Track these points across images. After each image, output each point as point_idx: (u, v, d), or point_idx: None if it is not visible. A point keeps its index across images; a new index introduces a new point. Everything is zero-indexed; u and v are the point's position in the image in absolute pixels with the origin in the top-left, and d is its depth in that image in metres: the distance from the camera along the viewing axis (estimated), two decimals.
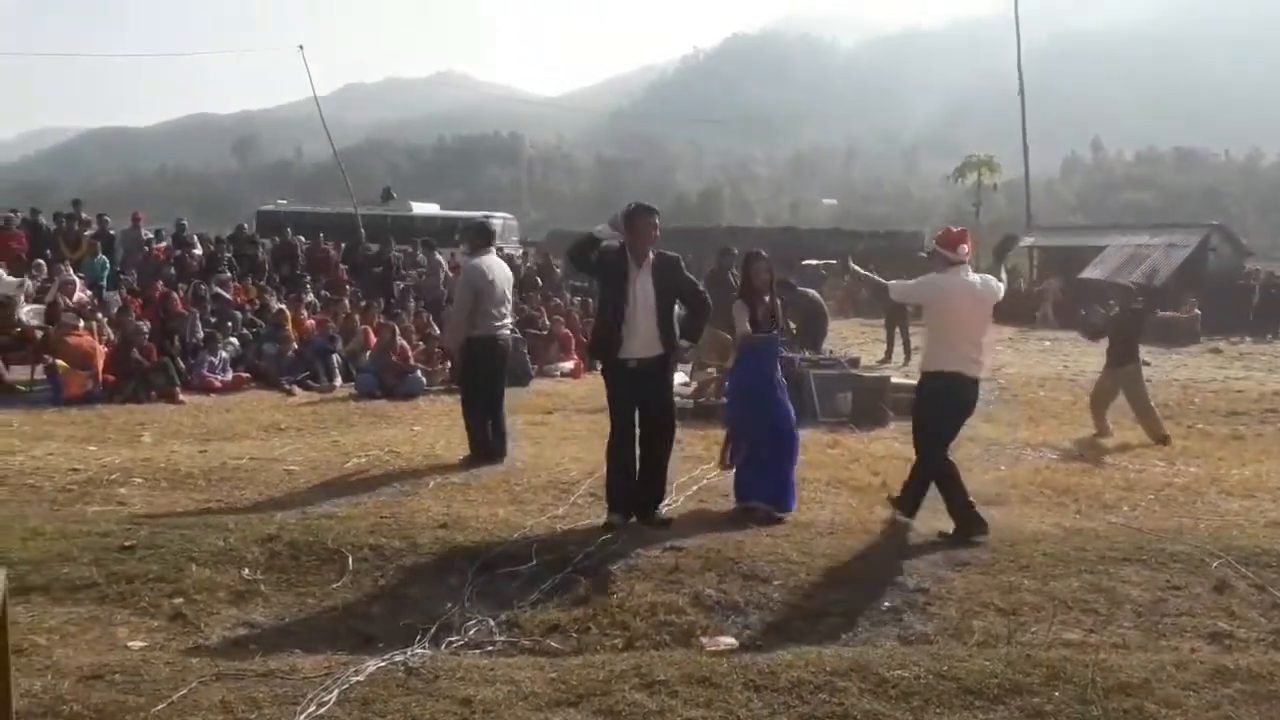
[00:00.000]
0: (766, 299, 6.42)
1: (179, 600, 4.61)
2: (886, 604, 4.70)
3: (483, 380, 7.90)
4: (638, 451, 6.06)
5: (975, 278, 5.90)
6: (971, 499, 5.74)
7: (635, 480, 6.04)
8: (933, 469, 5.83)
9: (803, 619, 4.59)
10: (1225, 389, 14.25)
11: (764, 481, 6.29)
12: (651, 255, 5.90)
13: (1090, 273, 28.78)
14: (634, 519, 5.94)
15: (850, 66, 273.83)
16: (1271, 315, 24.34)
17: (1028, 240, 34.84)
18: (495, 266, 8.03)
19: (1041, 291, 29.39)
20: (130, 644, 4.15)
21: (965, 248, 5.89)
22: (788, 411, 6.42)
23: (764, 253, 6.62)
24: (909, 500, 5.97)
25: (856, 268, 7.59)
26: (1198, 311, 22.50)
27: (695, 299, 6.14)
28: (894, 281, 6.10)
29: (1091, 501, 6.96)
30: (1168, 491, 7.31)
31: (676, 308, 6.07)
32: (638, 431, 6.07)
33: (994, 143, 49.34)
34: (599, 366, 6.38)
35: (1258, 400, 12.86)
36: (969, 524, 5.64)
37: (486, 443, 7.85)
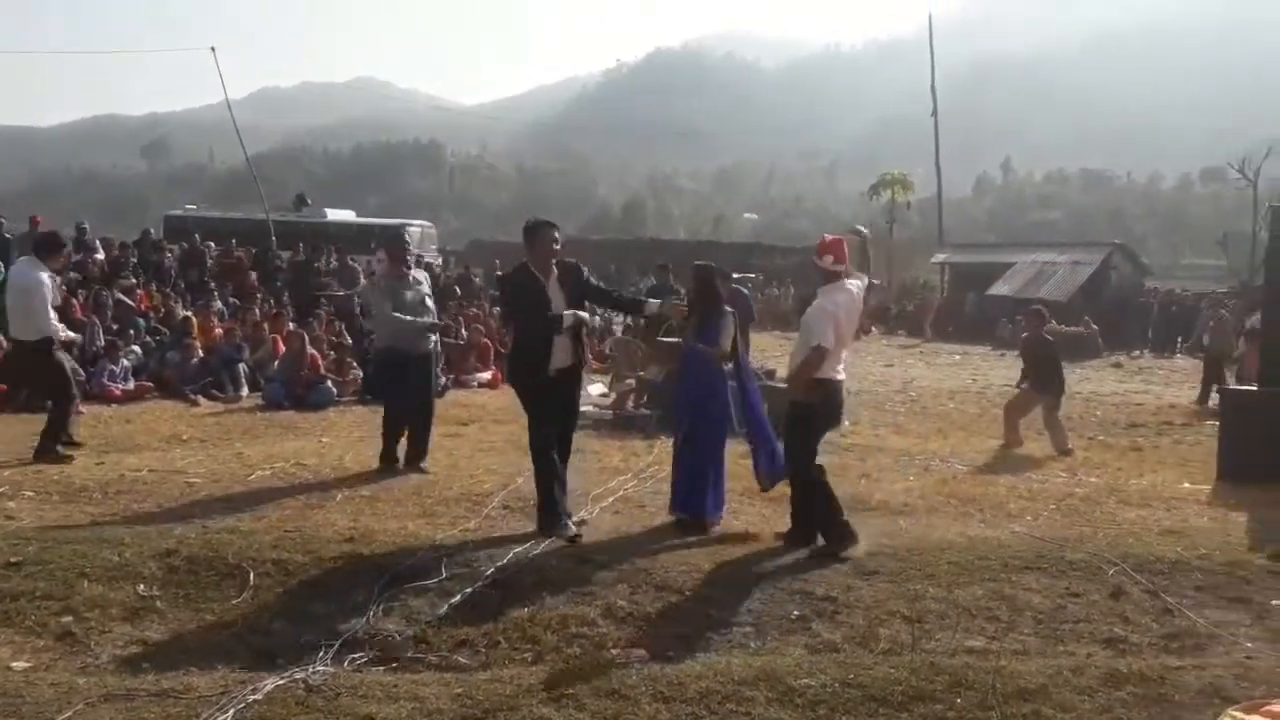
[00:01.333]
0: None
1: (68, 619, 4.41)
2: (796, 613, 4.74)
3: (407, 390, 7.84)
4: None
5: (853, 284, 5.92)
6: (842, 510, 5.76)
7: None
8: (807, 477, 5.82)
9: (713, 629, 4.59)
10: (1125, 402, 14.78)
11: (693, 492, 6.28)
12: (555, 267, 5.98)
13: (999, 289, 29.68)
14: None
15: (773, 84, 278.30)
16: (1169, 331, 25.38)
17: (940, 256, 35.82)
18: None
19: (923, 305, 30.22)
20: (13, 664, 3.96)
21: (842, 254, 5.90)
22: (717, 422, 6.40)
23: (711, 264, 6.67)
24: (804, 525, 5.85)
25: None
26: (1095, 327, 23.38)
27: (607, 296, 6.48)
28: (817, 340, 5.69)
29: (996, 511, 7.12)
30: (1069, 501, 7.52)
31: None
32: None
33: (912, 161, 50.65)
34: (518, 381, 6.28)
35: (1155, 413, 13.36)
36: (840, 536, 5.61)
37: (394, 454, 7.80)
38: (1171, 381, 18.32)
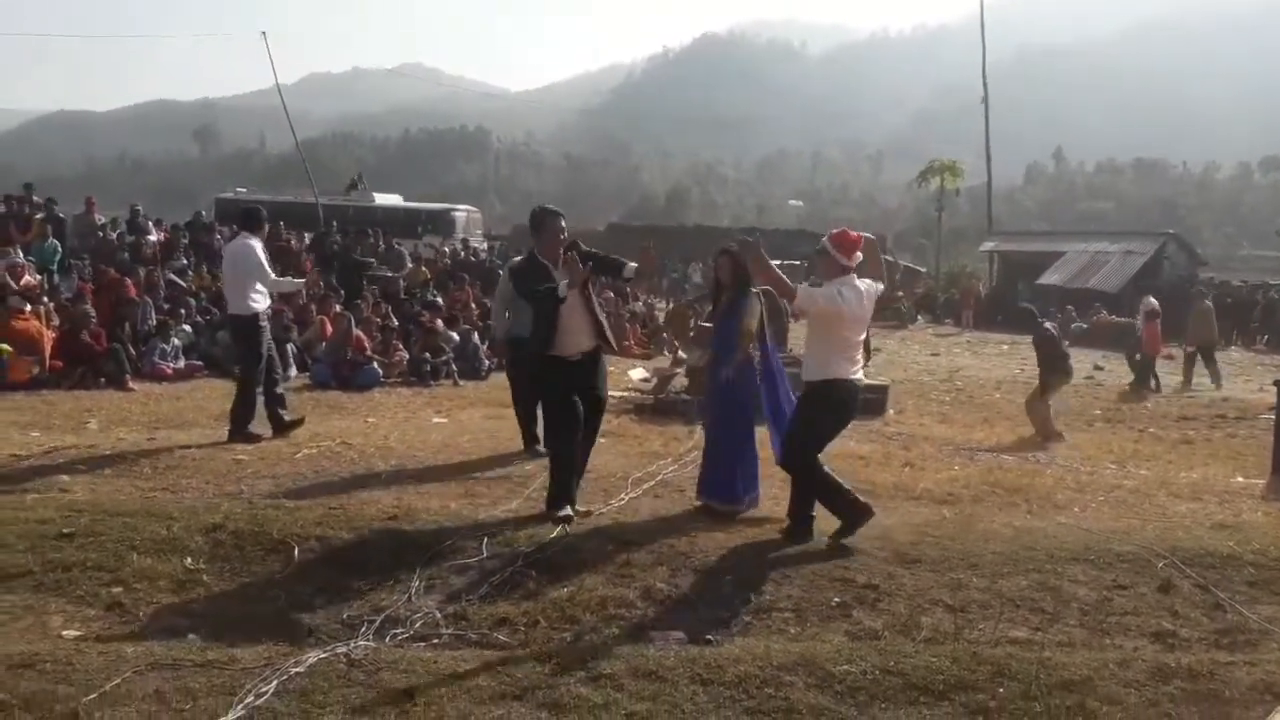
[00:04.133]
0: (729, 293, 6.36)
1: (117, 589, 4.50)
2: (836, 599, 4.69)
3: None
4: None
5: (863, 285, 5.58)
6: (844, 487, 5.61)
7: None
8: (813, 475, 5.63)
9: (752, 613, 4.57)
10: (1178, 395, 14.49)
11: (720, 478, 6.25)
12: (563, 254, 5.97)
13: (1049, 278, 29.20)
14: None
15: (818, 72, 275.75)
16: (1224, 323, 24.72)
17: (989, 244, 35.30)
18: None
19: (964, 294, 29.75)
20: (64, 633, 4.05)
21: (859, 255, 5.57)
22: (743, 406, 6.34)
23: (732, 246, 6.51)
24: (805, 520, 5.68)
25: (763, 256, 6.05)
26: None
27: (607, 263, 6.19)
28: (802, 287, 5.66)
29: (1042, 502, 7.02)
30: (1118, 493, 7.39)
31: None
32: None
33: (957, 150, 49.84)
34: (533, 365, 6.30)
35: (1208, 406, 13.10)
36: (854, 512, 5.47)
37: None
38: (1226, 375, 17.90)
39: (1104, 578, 5.12)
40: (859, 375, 5.68)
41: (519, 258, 6.32)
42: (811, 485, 5.65)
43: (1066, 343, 11.70)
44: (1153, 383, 14.72)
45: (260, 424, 8.13)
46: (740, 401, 6.29)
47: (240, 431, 7.93)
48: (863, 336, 5.79)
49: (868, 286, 5.63)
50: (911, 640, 4.26)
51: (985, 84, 35.99)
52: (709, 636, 4.30)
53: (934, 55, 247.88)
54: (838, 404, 5.61)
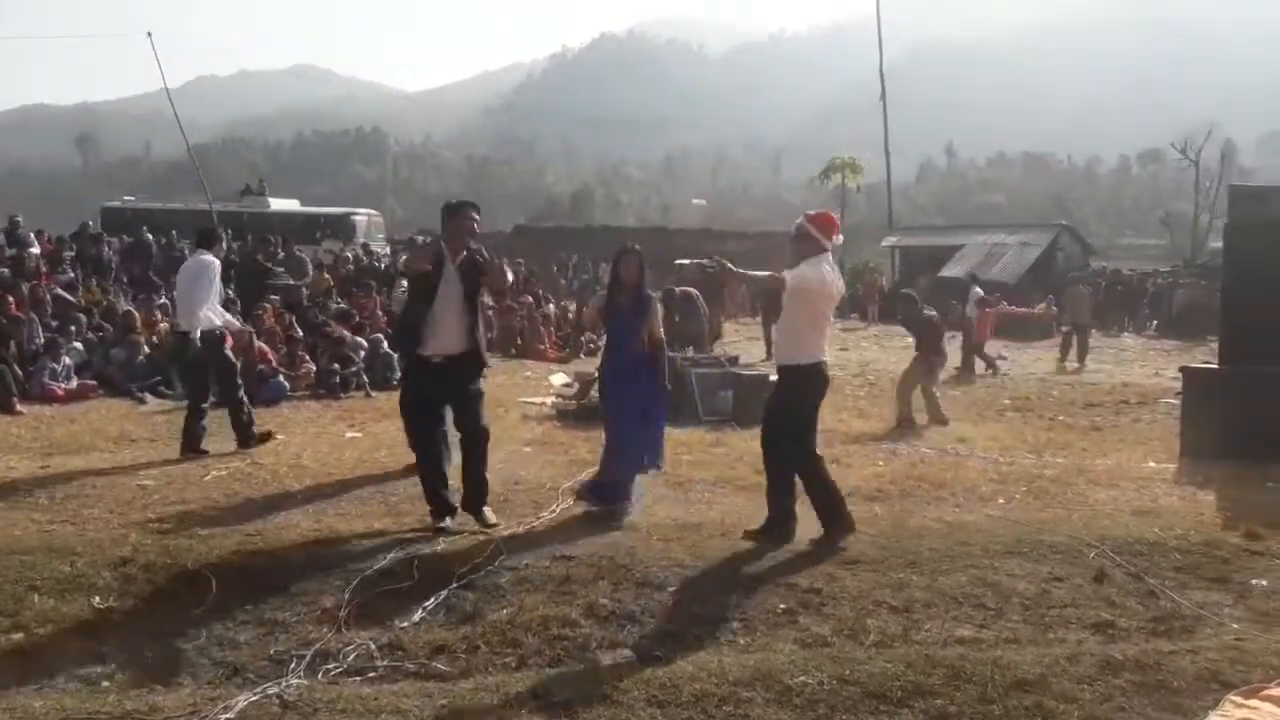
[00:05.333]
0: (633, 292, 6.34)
1: (18, 636, 4.14)
2: (782, 606, 4.62)
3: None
4: (459, 451, 5.96)
5: (831, 265, 5.77)
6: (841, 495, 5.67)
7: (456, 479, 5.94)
8: (805, 464, 5.64)
9: (700, 625, 4.45)
10: (1079, 381, 14.98)
11: (614, 480, 6.23)
12: (465, 250, 5.80)
13: (950, 270, 29.95)
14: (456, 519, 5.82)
15: (718, 71, 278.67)
16: (1115, 310, 25.77)
17: (890, 240, 36.08)
18: None
19: (868, 289, 30.39)
20: None
21: (840, 237, 5.79)
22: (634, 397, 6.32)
23: (636, 247, 6.55)
24: (782, 519, 5.64)
25: (734, 269, 6.40)
26: (1054, 308, 23.61)
27: (494, 278, 6.02)
28: (788, 272, 5.67)
29: (968, 494, 7.10)
30: (1039, 483, 7.52)
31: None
32: (457, 433, 5.93)
33: (856, 148, 50.74)
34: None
35: (1110, 392, 13.52)
36: (841, 523, 5.53)
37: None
38: (1122, 360, 18.62)
39: (1040, 570, 5.18)
40: (827, 357, 5.78)
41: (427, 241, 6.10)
42: (805, 476, 5.62)
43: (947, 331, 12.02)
44: (980, 366, 15.46)
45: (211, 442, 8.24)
46: (632, 399, 6.30)
47: (251, 439, 8.28)
48: (832, 315, 5.89)
49: (835, 270, 5.77)
50: (861, 645, 4.21)
51: (883, 81, 36.73)
52: (657, 653, 4.17)
53: (831, 54, 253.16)
54: (820, 385, 5.67)
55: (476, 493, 5.92)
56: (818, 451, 5.76)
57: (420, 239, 6.65)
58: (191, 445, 8.03)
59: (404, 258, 5.89)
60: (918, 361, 10.73)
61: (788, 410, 5.73)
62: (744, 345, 17.47)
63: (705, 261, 5.83)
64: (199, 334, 8.04)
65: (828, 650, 4.12)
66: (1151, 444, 9.38)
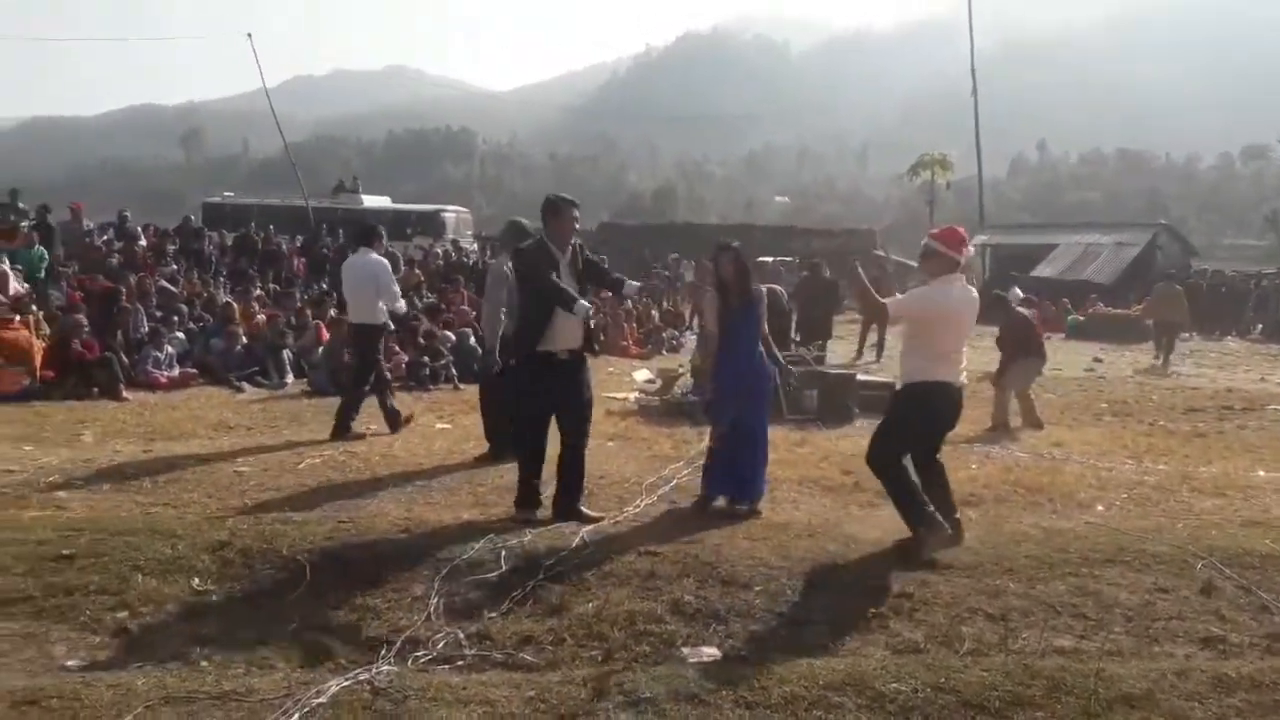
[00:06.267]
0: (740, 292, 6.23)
1: (123, 614, 4.28)
2: (872, 610, 4.51)
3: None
4: (561, 445, 5.97)
5: (966, 287, 5.50)
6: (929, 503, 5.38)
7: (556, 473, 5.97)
8: (891, 475, 5.43)
9: (787, 627, 4.38)
10: (1179, 386, 14.39)
11: (727, 477, 6.14)
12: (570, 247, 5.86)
13: (1042, 270, 29.14)
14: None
15: (802, 67, 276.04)
16: (1218, 313, 24.73)
17: (981, 238, 35.20)
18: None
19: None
20: (68, 663, 3.83)
21: (970, 250, 5.53)
22: (757, 405, 6.24)
23: (734, 244, 6.44)
24: (926, 523, 5.36)
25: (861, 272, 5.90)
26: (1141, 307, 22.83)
27: (599, 273, 6.20)
28: (891, 301, 5.58)
29: (1066, 500, 6.87)
30: (1140, 490, 7.25)
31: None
32: (561, 425, 5.95)
33: (942, 143, 49.82)
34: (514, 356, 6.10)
35: (1213, 397, 12.96)
36: (931, 531, 5.22)
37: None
38: (1224, 365, 17.86)
39: (1143, 580, 4.97)
40: (961, 379, 5.49)
41: (528, 242, 6.08)
42: (891, 485, 5.42)
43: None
44: None
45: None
46: (758, 401, 6.22)
47: (344, 430, 8.49)
48: (965, 339, 5.56)
49: (969, 290, 5.50)
50: (956, 653, 4.08)
51: (974, 76, 35.88)
52: (744, 653, 4.12)
53: (917, 49, 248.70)
54: (934, 408, 5.41)
55: (578, 490, 5.97)
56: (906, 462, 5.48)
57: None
58: (343, 426, 8.51)
59: (640, 285, 5.94)
60: (1014, 363, 10.39)
61: (891, 421, 5.55)
62: (831, 343, 17.11)
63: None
64: (368, 325, 8.68)
65: (921, 657, 4.01)
66: (1260, 452, 8.97)
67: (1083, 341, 20.97)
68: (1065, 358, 17.27)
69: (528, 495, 5.88)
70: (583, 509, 5.90)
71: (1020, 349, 10.42)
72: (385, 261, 8.86)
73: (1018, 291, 16.70)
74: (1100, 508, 6.69)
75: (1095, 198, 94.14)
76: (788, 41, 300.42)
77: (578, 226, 5.91)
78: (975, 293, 5.65)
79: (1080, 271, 28.43)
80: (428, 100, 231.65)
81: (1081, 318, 23.21)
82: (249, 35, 27.61)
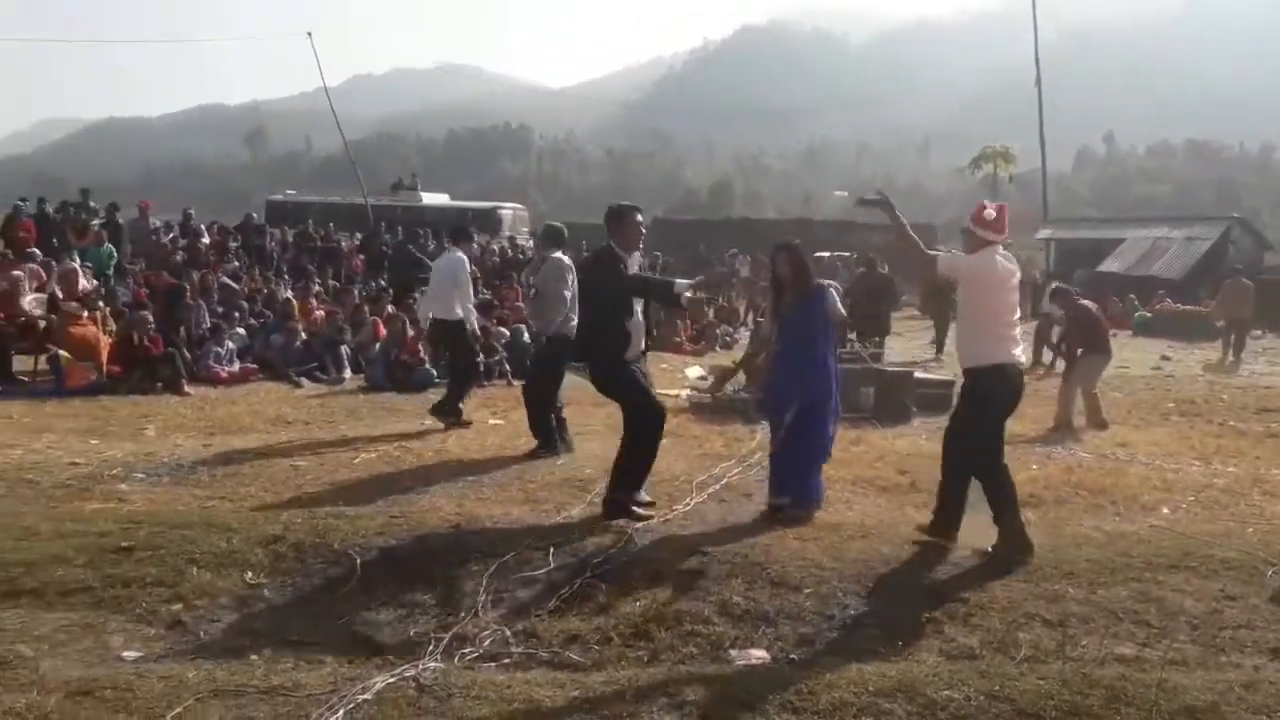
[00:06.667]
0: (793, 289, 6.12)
1: (178, 606, 4.35)
2: (926, 614, 4.41)
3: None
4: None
5: (1003, 254, 5.31)
6: (1020, 515, 5.29)
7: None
8: (995, 477, 5.26)
9: (838, 630, 4.31)
10: (1252, 385, 13.94)
11: (792, 478, 6.00)
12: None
13: (1109, 265, 28.44)
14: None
15: (861, 60, 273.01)
16: None
17: (1045, 232, 34.50)
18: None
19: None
20: (124, 654, 3.90)
21: (994, 230, 5.26)
22: (820, 400, 6.05)
23: (794, 242, 6.33)
24: (949, 519, 5.33)
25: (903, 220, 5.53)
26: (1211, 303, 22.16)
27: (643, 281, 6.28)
28: (943, 256, 5.34)
29: (1129, 503, 6.68)
30: (1208, 493, 7.02)
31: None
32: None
33: (1004, 135, 48.82)
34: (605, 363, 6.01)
35: None
36: (1020, 545, 5.13)
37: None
38: None
39: (1210, 587, 4.80)
40: (1021, 357, 5.34)
41: (597, 250, 6.08)
42: (988, 488, 5.25)
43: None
44: (1047, 357, 14.22)
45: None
46: (817, 400, 6.03)
47: (448, 414, 8.92)
48: (1017, 315, 5.42)
49: (1010, 261, 5.30)
50: (1012, 659, 3.97)
51: (1038, 66, 35.10)
52: (793, 656, 4.06)
53: (978, 40, 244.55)
54: (1011, 391, 5.23)
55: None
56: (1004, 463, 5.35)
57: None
58: (454, 414, 8.96)
59: (693, 283, 6.01)
60: (1080, 360, 10.12)
61: (967, 418, 5.35)
62: (891, 340, 16.85)
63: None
64: (446, 321, 9.08)
65: (975, 663, 3.91)
66: None
67: (1150, 339, 20.43)
68: (1132, 355, 16.82)
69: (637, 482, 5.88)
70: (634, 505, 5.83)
71: (1086, 344, 10.16)
72: (465, 260, 9.17)
73: (1054, 283, 16.19)
74: (1166, 511, 6.49)
75: (1164, 191, 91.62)
76: (846, 34, 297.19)
77: (644, 231, 5.97)
78: (1015, 265, 5.41)
79: (1148, 266, 27.67)
80: (486, 97, 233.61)
81: (1149, 314, 22.59)
82: (309, 35, 27.98)
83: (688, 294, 5.87)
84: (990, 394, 5.23)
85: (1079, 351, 10.15)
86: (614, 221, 5.90)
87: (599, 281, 5.87)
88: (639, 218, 5.93)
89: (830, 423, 6.12)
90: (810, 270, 6.25)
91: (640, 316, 5.88)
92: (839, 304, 6.14)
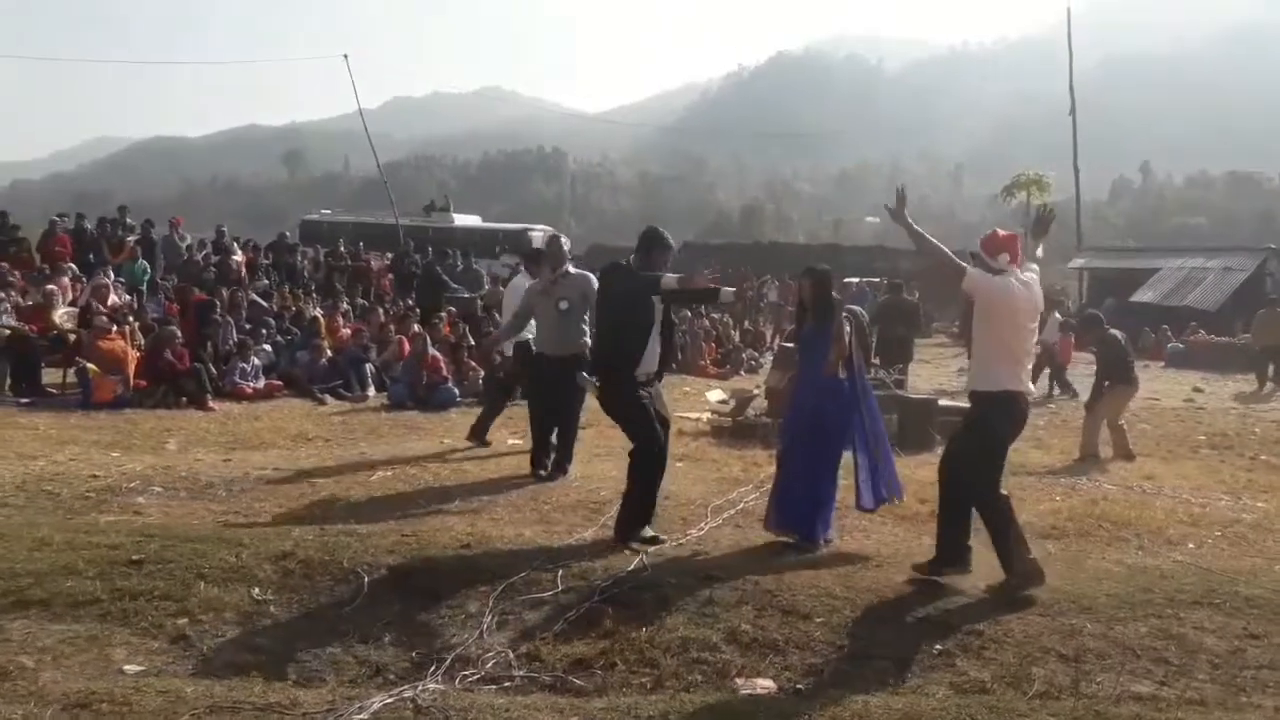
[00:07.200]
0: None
1: (183, 620, 4.34)
2: (938, 647, 4.33)
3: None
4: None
5: (1027, 278, 5.22)
6: (1028, 544, 5.18)
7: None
8: (991, 506, 5.17)
9: (847, 661, 4.23)
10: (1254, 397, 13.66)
11: (799, 511, 5.89)
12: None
13: (1142, 295, 28.09)
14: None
15: (895, 86, 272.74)
16: None
17: (1078, 261, 34.16)
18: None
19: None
20: (126, 667, 3.90)
21: (1005, 257, 5.17)
22: (829, 434, 5.94)
23: (822, 267, 6.26)
24: (953, 551, 5.20)
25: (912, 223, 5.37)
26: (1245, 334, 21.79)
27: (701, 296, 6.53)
28: (973, 269, 5.16)
29: (1154, 537, 6.53)
30: (1236, 528, 6.86)
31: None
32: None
33: (1041, 164, 48.44)
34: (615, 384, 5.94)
35: None
36: (1024, 573, 5.01)
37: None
38: None
39: (1233, 625, 4.67)
40: (1029, 386, 5.28)
41: (621, 261, 6.07)
42: (986, 517, 5.16)
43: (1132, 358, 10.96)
44: (1056, 389, 15.29)
45: None
46: (827, 429, 5.93)
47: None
48: (1034, 341, 5.36)
49: (1029, 282, 5.20)
50: (1023, 695, 3.88)
51: (1073, 94, 34.92)
52: (800, 686, 3.99)
53: (1015, 68, 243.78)
54: (1017, 419, 5.18)
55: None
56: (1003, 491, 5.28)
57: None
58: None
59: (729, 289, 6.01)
60: (1106, 390, 9.96)
61: (969, 443, 5.26)
62: (915, 368, 16.67)
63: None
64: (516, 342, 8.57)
65: (985, 698, 3.82)
66: None
67: (1183, 370, 20.12)
68: (1164, 386, 16.59)
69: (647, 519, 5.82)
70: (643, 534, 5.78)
71: (1112, 375, 10.00)
72: (524, 285, 8.65)
73: (1058, 315, 16.16)
74: (1191, 545, 6.35)
75: (1201, 222, 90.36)
76: (881, 60, 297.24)
77: (671, 259, 5.94)
78: (1039, 296, 5.31)
79: (1182, 297, 27.30)
80: (522, 121, 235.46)
81: (1182, 345, 22.26)
82: (345, 56, 28.42)
83: (731, 300, 5.89)
84: (996, 421, 5.15)
85: (1105, 383, 9.98)
86: (651, 244, 5.81)
87: (622, 295, 5.83)
88: (670, 256, 5.87)
89: (861, 452, 5.97)
90: (831, 297, 6.16)
91: (657, 337, 5.80)
92: (846, 335, 5.93)
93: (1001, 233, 5.36)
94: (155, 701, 3.41)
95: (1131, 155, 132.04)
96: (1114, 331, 10.65)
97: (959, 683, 4.01)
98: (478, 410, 11.64)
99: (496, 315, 16.38)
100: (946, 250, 5.29)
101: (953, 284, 5.24)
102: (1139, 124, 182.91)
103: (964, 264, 5.22)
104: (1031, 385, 5.35)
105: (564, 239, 8.19)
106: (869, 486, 6.03)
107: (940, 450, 9.32)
